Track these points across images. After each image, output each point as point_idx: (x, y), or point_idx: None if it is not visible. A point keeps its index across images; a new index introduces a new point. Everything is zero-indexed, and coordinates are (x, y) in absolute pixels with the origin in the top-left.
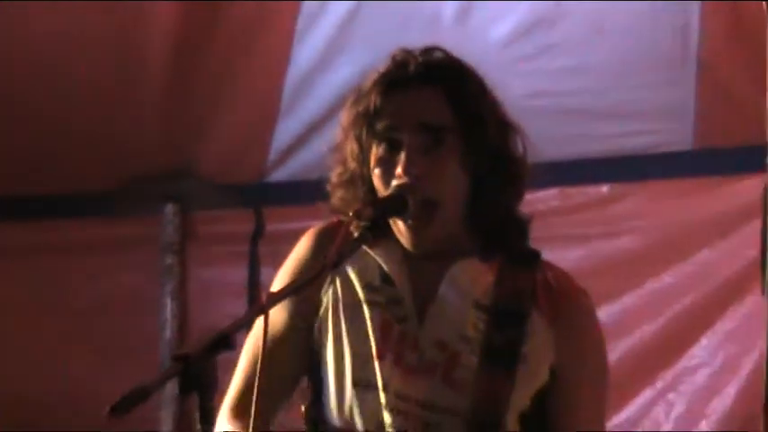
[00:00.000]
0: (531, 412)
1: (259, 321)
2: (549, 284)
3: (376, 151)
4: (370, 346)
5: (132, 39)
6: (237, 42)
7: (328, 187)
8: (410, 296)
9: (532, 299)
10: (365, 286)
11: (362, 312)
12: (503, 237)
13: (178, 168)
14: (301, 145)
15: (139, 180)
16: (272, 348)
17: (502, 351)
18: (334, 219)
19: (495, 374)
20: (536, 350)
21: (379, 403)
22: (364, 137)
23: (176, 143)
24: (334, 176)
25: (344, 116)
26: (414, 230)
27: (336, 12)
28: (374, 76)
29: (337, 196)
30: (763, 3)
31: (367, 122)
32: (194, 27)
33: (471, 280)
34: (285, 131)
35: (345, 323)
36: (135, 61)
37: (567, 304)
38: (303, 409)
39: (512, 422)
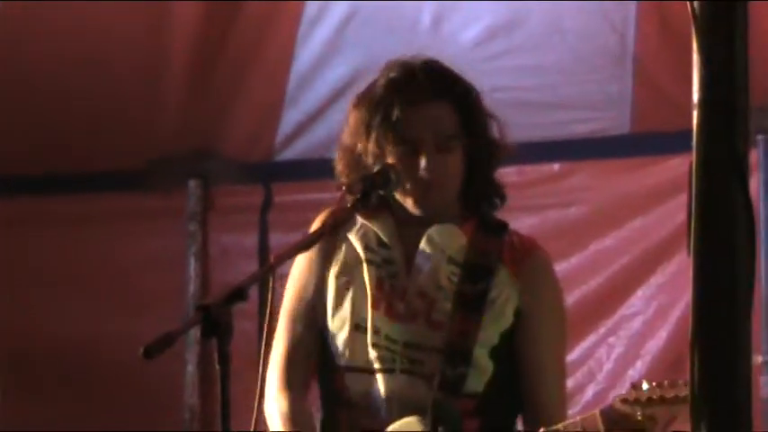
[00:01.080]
0: (502, 348)
1: (293, 287)
2: (513, 245)
3: (394, 150)
4: (367, 298)
5: (160, 35)
6: (249, 44)
7: (347, 188)
8: (401, 256)
9: (499, 257)
10: (365, 248)
11: (362, 270)
12: (489, 202)
13: (200, 149)
14: (303, 130)
15: (167, 159)
16: (306, 312)
17: (472, 298)
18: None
19: (466, 317)
20: (501, 297)
21: (372, 344)
22: (386, 140)
23: (198, 128)
24: (341, 166)
25: (356, 115)
26: (422, 201)
27: (333, 18)
28: (385, 85)
29: (344, 181)
30: (688, 4)
31: (389, 130)
32: (213, 28)
33: (446, 240)
34: (290, 119)
35: (348, 280)
36: (163, 56)
37: (528, 259)
38: None
39: (483, 356)
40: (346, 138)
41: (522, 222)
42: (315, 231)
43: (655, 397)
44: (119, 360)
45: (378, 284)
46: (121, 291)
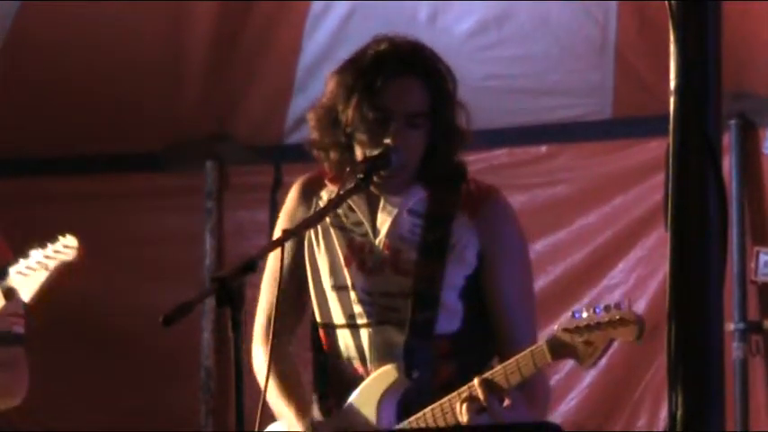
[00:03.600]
0: (470, 290)
1: (270, 260)
2: (470, 193)
3: (370, 116)
4: (340, 258)
5: (180, 31)
6: (261, 37)
7: (314, 143)
8: (367, 218)
9: (457, 205)
10: (334, 215)
11: (332, 234)
12: (446, 176)
13: (216, 133)
14: None
15: (186, 142)
16: (284, 275)
17: (434, 245)
18: (316, 171)
19: (430, 263)
20: (461, 241)
21: (351, 300)
22: (363, 105)
23: (214, 114)
24: (317, 124)
25: (341, 81)
26: (385, 179)
27: (336, 14)
28: (373, 55)
29: (317, 141)
30: (666, 2)
31: (369, 97)
32: (228, 23)
33: (403, 196)
34: (298, 106)
35: (323, 245)
36: (182, 49)
37: (485, 204)
38: None
39: (452, 298)
40: (325, 99)
41: (512, 200)
42: (322, 209)
43: (592, 324)
44: (141, 326)
45: (348, 244)
46: (143, 263)
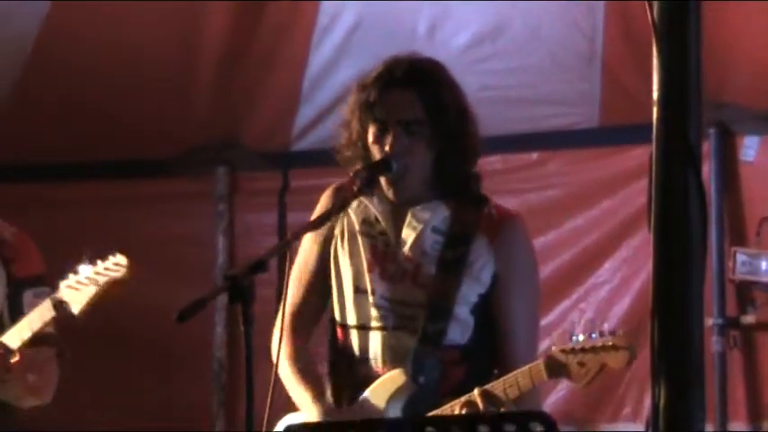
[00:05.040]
0: (482, 307)
1: (299, 258)
2: (491, 216)
3: (372, 129)
4: (364, 264)
5: (192, 46)
6: (269, 50)
7: (337, 148)
8: (391, 229)
9: (477, 227)
10: (362, 222)
11: (358, 241)
12: (460, 188)
13: (227, 140)
14: (316, 124)
15: (198, 149)
16: (308, 277)
17: (452, 262)
18: (347, 179)
19: (447, 278)
20: (478, 261)
21: (369, 304)
22: (364, 119)
23: (225, 122)
24: (342, 140)
25: (352, 100)
26: (393, 185)
27: (341, 27)
28: (374, 74)
29: (343, 155)
30: (649, 14)
31: (367, 110)
32: (237, 37)
33: (430, 213)
34: (304, 115)
35: (348, 249)
36: (194, 62)
37: (503, 229)
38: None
39: (464, 312)
40: (345, 116)
41: (505, 203)
42: (324, 213)
43: (587, 347)
44: (158, 322)
45: (372, 252)
46: (159, 263)
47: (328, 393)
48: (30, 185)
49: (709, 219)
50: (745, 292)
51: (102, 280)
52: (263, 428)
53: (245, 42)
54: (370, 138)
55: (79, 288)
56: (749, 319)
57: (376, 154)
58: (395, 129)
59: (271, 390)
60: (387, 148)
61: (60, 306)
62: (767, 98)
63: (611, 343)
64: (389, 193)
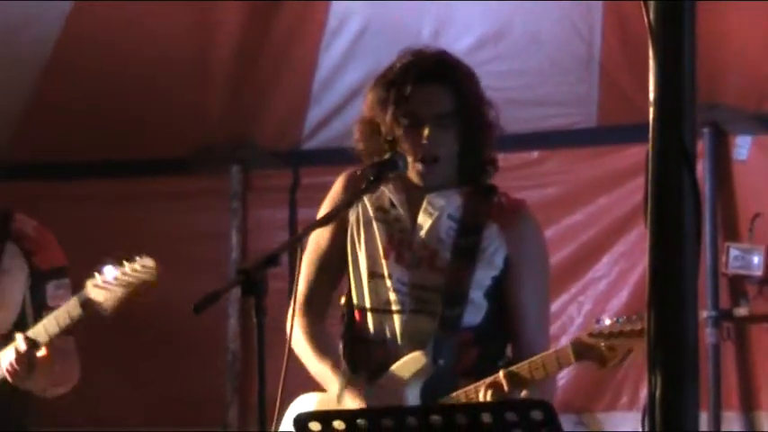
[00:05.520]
0: (495, 290)
1: (312, 241)
2: (501, 204)
3: (405, 122)
4: (379, 249)
5: (206, 49)
6: (281, 53)
7: (361, 152)
8: (407, 215)
9: (489, 214)
10: (377, 209)
11: (373, 227)
12: (481, 172)
13: (240, 140)
14: (325, 124)
15: (213, 148)
16: (322, 259)
17: (466, 249)
18: (358, 167)
19: (462, 264)
20: (491, 247)
21: (386, 288)
22: (396, 113)
23: (238, 123)
24: (360, 133)
25: (373, 95)
26: (424, 173)
27: (349, 31)
28: (400, 68)
29: (364, 147)
30: (645, 19)
31: (401, 104)
32: (250, 42)
33: (445, 201)
34: (314, 115)
35: (363, 235)
36: (208, 65)
37: (514, 216)
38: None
39: (478, 296)
40: (365, 112)
41: None
42: (332, 210)
43: (615, 331)
44: (174, 314)
45: (388, 238)
46: (175, 257)
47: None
48: (52, 183)
49: (704, 215)
50: (738, 285)
51: (131, 281)
52: (275, 414)
53: (258, 47)
54: (401, 131)
55: (108, 288)
56: (742, 311)
57: (409, 148)
58: (430, 123)
59: (282, 378)
60: (424, 141)
61: (88, 305)
62: (759, 99)
63: (639, 327)
64: (417, 179)
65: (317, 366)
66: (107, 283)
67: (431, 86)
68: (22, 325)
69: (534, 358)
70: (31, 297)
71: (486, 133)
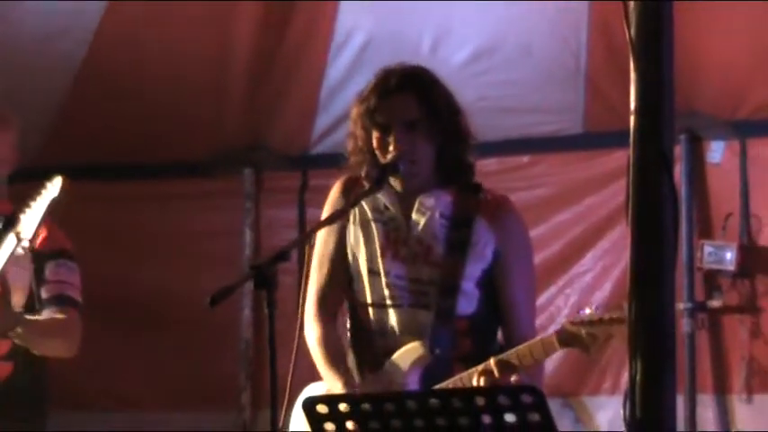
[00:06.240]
0: (486, 280)
1: (319, 243)
2: (488, 201)
3: (375, 134)
4: (377, 247)
5: (223, 60)
6: (291, 64)
7: (346, 155)
8: (401, 215)
9: (477, 210)
10: (373, 210)
11: (372, 227)
12: (460, 175)
13: (253, 144)
14: (332, 130)
15: (228, 152)
16: (330, 259)
17: (458, 243)
18: (356, 175)
19: (454, 257)
20: (480, 240)
21: (382, 284)
22: (368, 126)
23: (252, 128)
24: (349, 148)
25: (354, 112)
26: (403, 178)
27: (355, 44)
28: (371, 85)
29: (351, 161)
30: (627, 33)
31: (370, 117)
32: (263, 55)
33: (435, 200)
34: (322, 122)
35: (362, 234)
36: (224, 76)
37: (501, 211)
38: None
39: (470, 286)
40: (350, 128)
41: None
42: (338, 210)
43: (594, 319)
44: (191, 307)
45: (385, 237)
46: (192, 254)
47: (352, 364)
48: (80, 184)
49: (680, 214)
50: (712, 279)
51: (44, 202)
52: (286, 399)
53: (270, 61)
54: (375, 142)
55: (27, 213)
56: (715, 303)
57: (381, 156)
58: (397, 129)
59: (291, 367)
60: (391, 147)
61: (19, 235)
62: (732, 107)
63: (616, 315)
64: (397, 185)
65: (331, 382)
66: (27, 208)
67: (395, 97)
68: (31, 307)
69: (521, 346)
70: (35, 279)
71: (460, 137)
